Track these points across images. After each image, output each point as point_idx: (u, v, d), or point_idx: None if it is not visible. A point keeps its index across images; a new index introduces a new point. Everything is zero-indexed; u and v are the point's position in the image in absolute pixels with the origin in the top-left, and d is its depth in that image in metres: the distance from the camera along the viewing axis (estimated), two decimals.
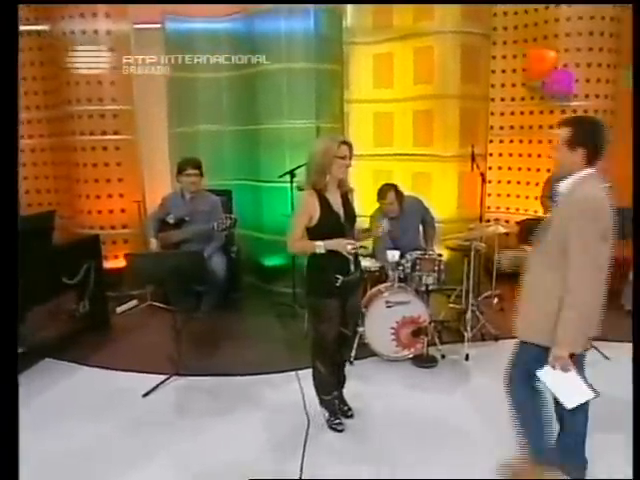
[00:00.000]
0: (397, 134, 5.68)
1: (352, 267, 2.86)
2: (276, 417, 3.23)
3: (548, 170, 5.63)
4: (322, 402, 3.13)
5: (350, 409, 3.22)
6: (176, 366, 3.74)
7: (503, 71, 5.86)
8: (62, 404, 3.44)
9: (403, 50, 5.40)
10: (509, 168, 5.98)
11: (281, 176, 4.83)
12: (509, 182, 5.96)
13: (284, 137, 5.28)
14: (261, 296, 5.48)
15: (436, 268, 3.97)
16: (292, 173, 4.73)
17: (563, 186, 2.24)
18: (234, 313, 4.97)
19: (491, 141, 5.75)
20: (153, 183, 5.74)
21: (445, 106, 5.27)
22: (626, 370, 3.69)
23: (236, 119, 5.63)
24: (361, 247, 3.11)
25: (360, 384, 3.53)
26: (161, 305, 5.03)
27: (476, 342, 4.17)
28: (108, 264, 5.18)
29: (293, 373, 3.75)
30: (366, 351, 3.94)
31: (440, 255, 4.17)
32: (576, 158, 2.17)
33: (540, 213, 5.31)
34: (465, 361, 3.94)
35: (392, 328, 3.91)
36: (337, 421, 3.09)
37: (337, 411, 3.12)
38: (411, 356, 3.93)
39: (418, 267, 3.98)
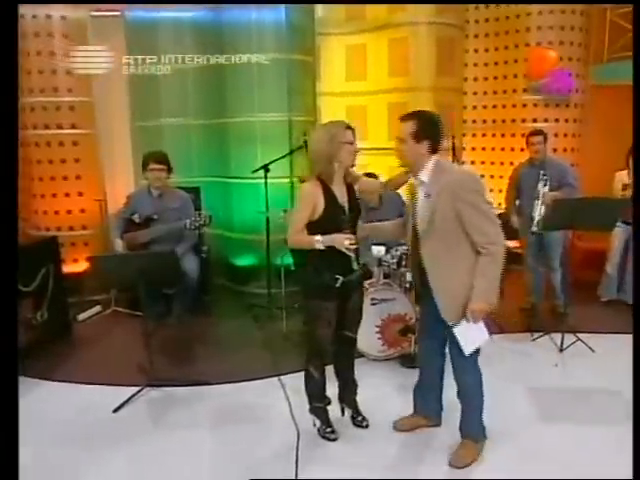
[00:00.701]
0: (371, 128, 5.54)
1: (354, 265, 2.63)
2: (262, 429, 2.99)
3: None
4: (313, 409, 2.92)
5: (365, 419, 3.00)
6: (148, 377, 3.44)
7: (475, 64, 5.82)
8: (24, 425, 3.08)
9: (377, 41, 5.27)
10: (482, 162, 5.94)
11: (255, 171, 4.58)
12: (483, 176, 5.90)
13: (255, 131, 5.06)
14: (233, 298, 5.22)
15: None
16: (266, 168, 4.50)
17: (424, 176, 2.41)
18: (206, 317, 4.70)
19: (465, 134, 5.69)
20: (115, 180, 5.39)
21: (420, 99, 5.16)
22: (612, 362, 3.73)
23: (204, 112, 5.34)
24: None
25: None
26: (127, 311, 4.71)
27: None
28: (67, 268, 4.81)
29: (275, 379, 3.53)
30: None
31: None
32: (422, 149, 2.38)
33: None
34: None
35: (377, 326, 3.75)
36: (329, 429, 2.88)
37: (329, 419, 2.92)
38: (397, 355, 3.79)
39: (404, 263, 3.84)
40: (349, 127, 2.56)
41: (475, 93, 5.87)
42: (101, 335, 4.32)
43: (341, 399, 3.04)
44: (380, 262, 3.84)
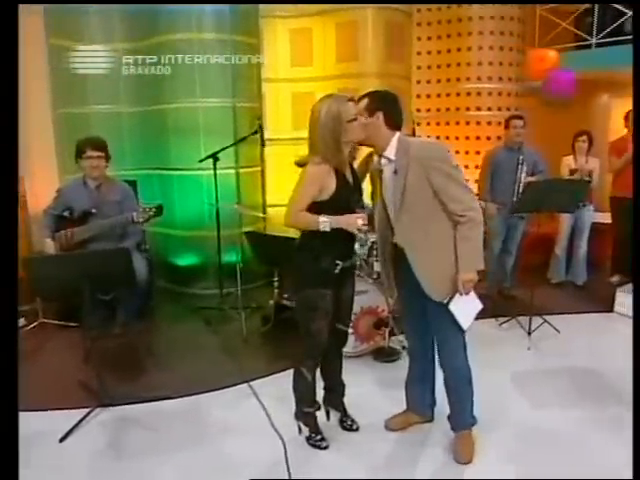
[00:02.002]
0: None
1: (355, 249, 2.47)
2: (239, 443, 2.65)
3: (467, 152, 5.67)
4: (302, 415, 2.63)
5: (354, 421, 2.75)
6: (97, 396, 2.96)
7: (418, 53, 5.77)
8: None
9: (323, 26, 5.04)
10: None
11: (202, 160, 4.20)
12: None
13: (198, 118, 4.65)
14: (178, 301, 4.77)
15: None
16: (215, 157, 4.13)
17: (390, 153, 2.30)
18: (152, 324, 4.23)
19: (416, 123, 5.60)
20: (35, 174, 4.71)
21: (370, 85, 4.97)
22: (578, 341, 3.79)
23: (137, 98, 4.84)
24: None
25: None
26: (57, 322, 4.12)
27: None
28: None
29: (244, 386, 3.19)
30: None
31: None
32: (378, 122, 2.27)
33: None
34: None
35: (350, 321, 3.52)
36: (319, 437, 2.60)
37: (318, 426, 2.64)
38: (370, 350, 3.58)
39: (375, 252, 3.64)
40: (351, 99, 2.29)
41: (419, 82, 5.83)
42: (32, 353, 3.70)
43: (328, 402, 2.77)
44: None
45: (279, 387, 3.16)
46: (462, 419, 2.54)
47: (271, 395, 3.06)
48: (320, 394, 2.73)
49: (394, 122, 2.31)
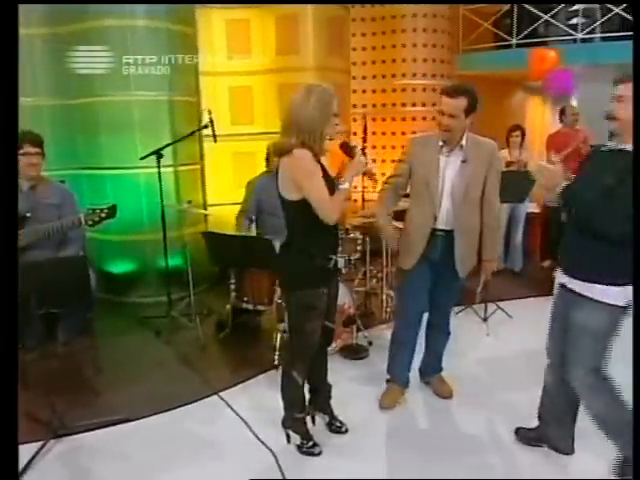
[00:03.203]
0: (258, 111, 5.11)
1: (338, 242, 2.41)
2: (225, 462, 2.45)
3: (402, 147, 5.75)
4: (292, 423, 2.49)
5: (343, 424, 2.65)
6: (49, 427, 2.60)
7: (354, 49, 5.75)
8: None
9: (262, 17, 4.86)
10: (373, 147, 5.92)
11: (143, 158, 3.88)
12: (374, 160, 5.91)
13: (132, 112, 4.28)
14: (119, 312, 4.36)
15: (359, 248, 3.60)
16: (159, 154, 3.83)
17: (463, 143, 2.57)
18: (98, 339, 3.80)
19: (355, 120, 5.59)
20: None
21: (311, 79, 4.89)
22: (529, 325, 3.96)
23: (61, 90, 4.35)
24: None
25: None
26: None
27: (391, 322, 3.93)
28: None
29: (214, 398, 2.98)
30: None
31: (365, 234, 3.81)
32: (468, 123, 2.53)
33: None
34: None
35: None
36: (311, 443, 2.47)
37: (309, 432, 2.51)
38: (338, 349, 3.50)
39: (340, 249, 3.54)
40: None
41: (354, 77, 5.83)
42: None
43: (314, 405, 2.64)
44: None
45: (251, 396, 3.02)
46: (438, 365, 3.02)
47: (245, 406, 2.89)
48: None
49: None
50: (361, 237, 3.71)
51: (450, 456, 2.47)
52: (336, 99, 2.20)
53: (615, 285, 1.97)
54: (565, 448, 2.39)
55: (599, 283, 2.00)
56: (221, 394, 3.01)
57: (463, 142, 2.55)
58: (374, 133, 5.91)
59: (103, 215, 2.92)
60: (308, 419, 2.60)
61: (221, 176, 5.26)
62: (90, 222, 2.90)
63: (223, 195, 5.26)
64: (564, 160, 4.78)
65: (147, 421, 2.77)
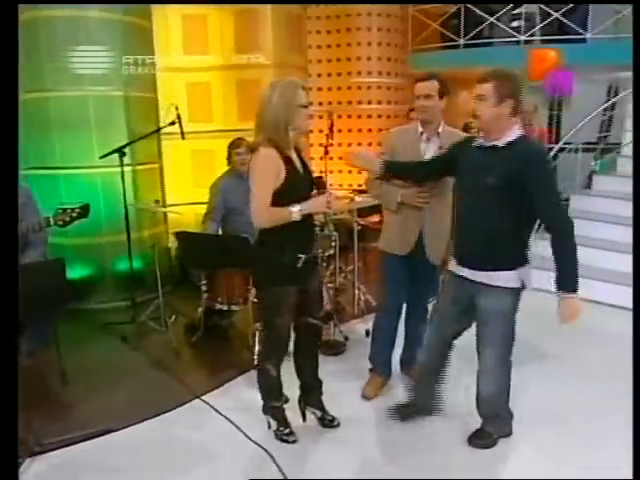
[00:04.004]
0: (217, 108, 5.01)
1: (314, 241, 2.40)
2: (222, 466, 2.39)
3: (359, 144, 5.85)
4: (270, 410, 2.56)
5: (335, 418, 2.66)
6: (24, 444, 2.41)
7: (309, 46, 5.76)
8: None
9: (220, 13, 4.76)
10: (331, 145, 5.91)
11: (104, 156, 3.71)
12: (332, 158, 5.91)
13: (86, 109, 4.07)
14: (79, 319, 4.11)
15: (333, 245, 3.62)
16: (122, 151, 3.67)
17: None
18: (61, 348, 3.58)
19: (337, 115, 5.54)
20: None
21: (270, 76, 4.85)
22: None
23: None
24: None
25: (288, 393, 2.94)
26: None
27: (364, 317, 4.00)
28: None
29: (196, 402, 2.90)
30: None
31: (336, 230, 3.83)
32: (443, 105, 2.47)
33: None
34: (367, 337, 3.72)
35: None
36: (287, 431, 2.53)
37: (287, 420, 2.56)
38: None
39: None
40: (303, 87, 2.26)
41: (310, 75, 5.82)
42: None
43: (305, 401, 2.65)
44: None
45: (235, 398, 2.96)
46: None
47: (230, 407, 2.83)
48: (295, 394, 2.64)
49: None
50: (336, 234, 3.73)
51: (434, 445, 2.53)
52: (303, 90, 2.22)
53: (513, 270, 2.18)
54: (432, 407, 2.64)
55: (500, 270, 2.18)
56: (203, 397, 2.94)
57: (440, 129, 2.61)
58: (320, 131, 5.94)
59: (75, 215, 2.76)
60: (298, 415, 2.63)
61: (179, 175, 5.11)
62: (60, 222, 2.73)
63: (182, 194, 5.12)
64: None
65: (131, 430, 2.65)
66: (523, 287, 2.24)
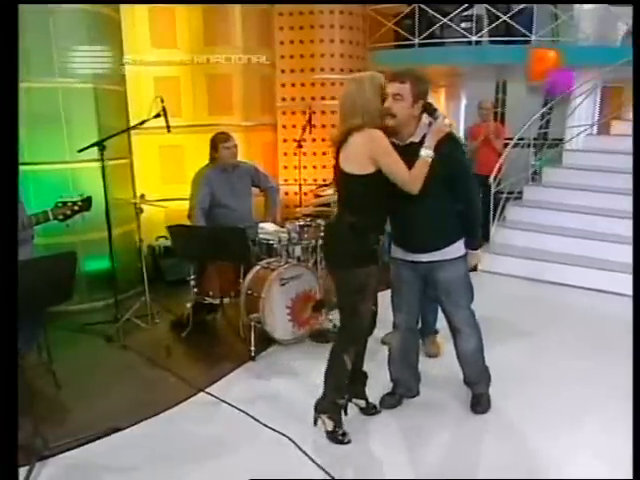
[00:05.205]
0: (186, 102, 4.93)
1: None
2: (242, 457, 2.41)
3: (323, 140, 5.94)
4: (331, 408, 2.45)
5: (376, 405, 2.69)
6: (30, 449, 2.31)
7: (284, 43, 5.75)
8: None
9: (188, 6, 4.68)
10: (294, 140, 5.94)
11: (81, 150, 3.59)
12: (295, 154, 5.95)
13: (56, 101, 3.91)
14: (55, 322, 3.89)
15: (321, 234, 3.68)
16: (102, 145, 3.56)
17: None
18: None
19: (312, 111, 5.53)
20: None
21: (241, 72, 4.86)
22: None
23: None
24: None
25: (291, 382, 3.04)
26: None
27: None
28: None
29: (200, 395, 2.90)
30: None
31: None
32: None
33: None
34: None
35: (288, 307, 3.47)
36: (342, 431, 2.45)
37: (342, 419, 2.49)
38: (307, 335, 3.58)
39: (306, 236, 3.62)
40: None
41: (283, 71, 5.81)
42: None
43: (350, 393, 2.60)
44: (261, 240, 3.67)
45: (238, 390, 2.97)
46: (433, 327, 3.28)
47: (235, 399, 2.83)
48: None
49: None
50: (322, 223, 3.79)
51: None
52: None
53: (457, 241, 2.45)
54: (415, 390, 2.78)
55: (447, 246, 2.42)
56: (207, 390, 2.93)
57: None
58: (294, 126, 6.00)
59: (76, 208, 2.66)
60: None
61: (148, 171, 4.99)
62: (61, 216, 2.63)
63: (150, 191, 4.98)
64: (479, 147, 5.37)
65: (139, 428, 2.61)
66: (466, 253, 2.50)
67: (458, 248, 2.46)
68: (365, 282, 2.31)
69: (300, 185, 4.91)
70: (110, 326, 3.72)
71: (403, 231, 2.46)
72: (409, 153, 2.25)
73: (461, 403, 2.74)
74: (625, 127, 5.96)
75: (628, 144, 5.18)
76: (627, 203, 4.86)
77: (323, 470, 2.24)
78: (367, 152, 2.19)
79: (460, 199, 2.43)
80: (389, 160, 2.20)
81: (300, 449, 2.38)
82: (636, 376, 1.94)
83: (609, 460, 2.31)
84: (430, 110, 2.29)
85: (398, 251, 2.52)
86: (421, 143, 2.27)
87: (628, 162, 4.94)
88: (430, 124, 2.31)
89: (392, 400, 2.74)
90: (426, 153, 2.22)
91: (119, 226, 4.42)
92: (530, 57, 5.77)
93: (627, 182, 5.03)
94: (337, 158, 2.31)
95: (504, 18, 6.08)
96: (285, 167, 5.95)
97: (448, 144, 2.31)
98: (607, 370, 3.06)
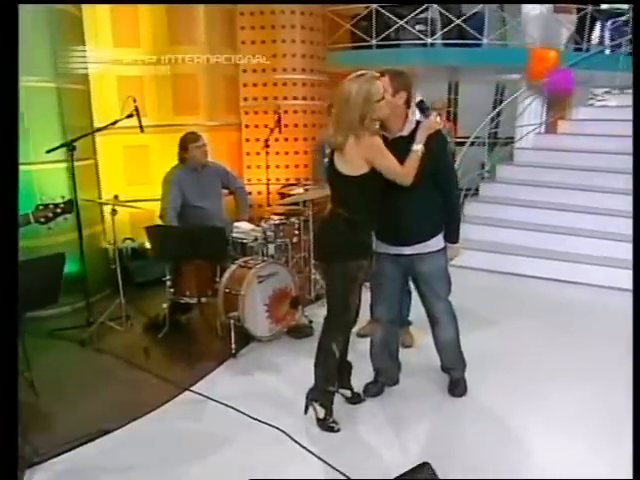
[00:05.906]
0: (150, 102, 4.87)
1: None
2: (238, 451, 2.46)
3: (286, 139, 6.01)
4: (322, 395, 2.57)
5: (360, 394, 2.81)
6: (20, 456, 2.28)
7: (245, 42, 5.74)
8: None
9: (151, 5, 4.62)
10: (257, 140, 5.97)
11: (50, 151, 3.50)
12: (258, 154, 5.96)
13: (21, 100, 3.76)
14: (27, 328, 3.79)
15: (296, 233, 3.77)
16: (71, 146, 3.50)
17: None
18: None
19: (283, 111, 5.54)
20: None
21: (204, 71, 4.85)
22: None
23: None
24: None
25: (275, 377, 3.13)
26: None
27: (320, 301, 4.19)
28: None
29: (186, 394, 2.92)
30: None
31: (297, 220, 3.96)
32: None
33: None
34: None
35: (266, 305, 3.53)
36: (332, 419, 2.57)
37: (332, 407, 2.60)
38: (285, 331, 3.66)
39: (282, 234, 3.69)
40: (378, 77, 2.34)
41: (245, 71, 5.79)
42: None
43: (338, 383, 2.70)
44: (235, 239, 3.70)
45: (223, 387, 3.02)
46: (407, 320, 3.41)
47: (221, 396, 2.87)
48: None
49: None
50: (299, 222, 3.88)
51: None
52: (378, 82, 2.32)
53: (439, 234, 2.59)
54: (396, 378, 2.91)
55: (430, 238, 2.56)
56: (192, 388, 2.96)
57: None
58: (256, 126, 6.03)
59: (58, 211, 2.61)
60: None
61: (111, 171, 4.89)
62: (42, 219, 2.56)
63: (114, 192, 4.88)
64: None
65: (128, 429, 2.61)
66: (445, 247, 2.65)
67: (439, 241, 2.61)
68: (356, 275, 2.43)
69: (268, 185, 4.95)
70: (82, 330, 3.65)
71: (388, 224, 2.55)
72: (398, 146, 2.37)
73: (439, 388, 2.91)
74: (570, 126, 6.39)
75: (574, 142, 5.57)
76: (575, 197, 5.23)
77: (319, 459, 2.33)
78: (363, 156, 2.30)
79: (443, 193, 2.57)
80: (384, 160, 2.31)
81: (293, 440, 2.47)
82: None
83: (579, 437, 2.50)
84: (422, 107, 2.45)
85: (381, 245, 2.63)
86: (410, 137, 2.39)
87: (575, 159, 5.32)
88: (419, 121, 2.46)
89: (375, 388, 2.87)
90: (417, 148, 2.35)
91: (87, 228, 4.32)
92: (530, 57, 5.84)
93: (576, 178, 5.42)
94: (331, 159, 2.41)
95: (457, 22, 6.33)
96: (248, 167, 5.96)
97: (437, 140, 2.45)
98: (572, 353, 3.30)
